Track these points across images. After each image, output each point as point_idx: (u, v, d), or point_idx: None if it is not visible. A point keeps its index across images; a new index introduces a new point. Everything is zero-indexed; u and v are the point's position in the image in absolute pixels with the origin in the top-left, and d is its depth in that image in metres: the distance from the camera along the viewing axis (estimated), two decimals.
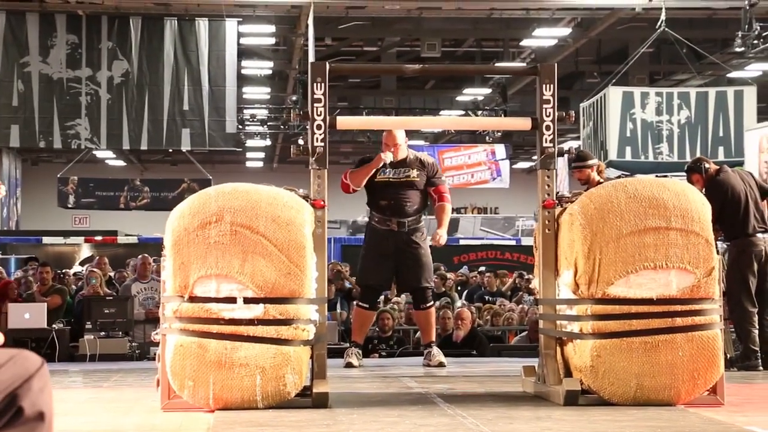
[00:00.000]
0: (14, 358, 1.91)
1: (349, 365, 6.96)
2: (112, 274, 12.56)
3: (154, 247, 14.83)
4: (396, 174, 6.92)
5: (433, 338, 7.25)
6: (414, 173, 6.96)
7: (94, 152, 20.40)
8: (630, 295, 4.88)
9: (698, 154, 15.88)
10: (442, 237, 7.09)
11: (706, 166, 7.53)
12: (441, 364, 7.03)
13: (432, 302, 7.23)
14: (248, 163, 30.58)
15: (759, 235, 7.41)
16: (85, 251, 19.96)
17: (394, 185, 6.92)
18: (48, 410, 1.92)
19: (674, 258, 4.87)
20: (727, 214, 7.24)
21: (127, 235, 21.01)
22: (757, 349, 7.32)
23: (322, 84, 5.30)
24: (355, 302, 7.48)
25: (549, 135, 5.38)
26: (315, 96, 5.30)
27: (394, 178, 6.93)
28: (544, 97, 5.39)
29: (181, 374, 4.75)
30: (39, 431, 1.89)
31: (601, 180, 7.85)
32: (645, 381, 4.83)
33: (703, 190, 7.34)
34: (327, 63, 5.50)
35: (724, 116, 16.80)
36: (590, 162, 7.89)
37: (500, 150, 23.54)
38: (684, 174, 7.86)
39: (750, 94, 16.91)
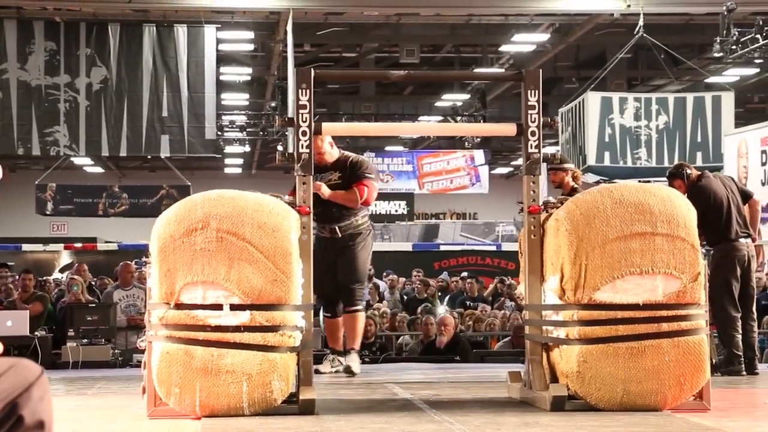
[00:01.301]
0: (14, 367, 1.90)
1: (316, 371, 6.66)
2: (93, 281, 12.47)
3: (135, 253, 14.75)
4: (319, 180, 6.71)
5: (357, 345, 7.05)
6: (335, 176, 6.87)
7: (72, 159, 20.31)
8: (616, 301, 4.89)
9: (677, 160, 15.99)
10: (320, 186, 6.70)
11: (688, 171, 7.58)
12: (349, 369, 6.86)
13: (360, 307, 7.02)
14: (227, 169, 30.52)
15: (741, 240, 7.45)
16: (65, 258, 19.85)
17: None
18: (48, 419, 1.91)
19: (660, 263, 4.88)
20: (709, 219, 7.28)
21: (107, 242, 20.90)
22: (740, 354, 7.36)
23: (307, 90, 5.28)
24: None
25: (534, 140, 5.38)
26: (300, 102, 5.29)
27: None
28: (529, 103, 5.39)
29: (167, 381, 4.72)
30: None
31: (576, 186, 7.88)
32: (631, 386, 4.84)
33: (686, 195, 7.37)
34: (312, 69, 5.48)
35: (702, 121, 16.93)
36: (565, 165, 7.93)
37: (479, 155, 23.63)
38: (664, 179, 7.91)
39: (728, 100, 17.05)
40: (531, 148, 5.38)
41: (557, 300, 5.04)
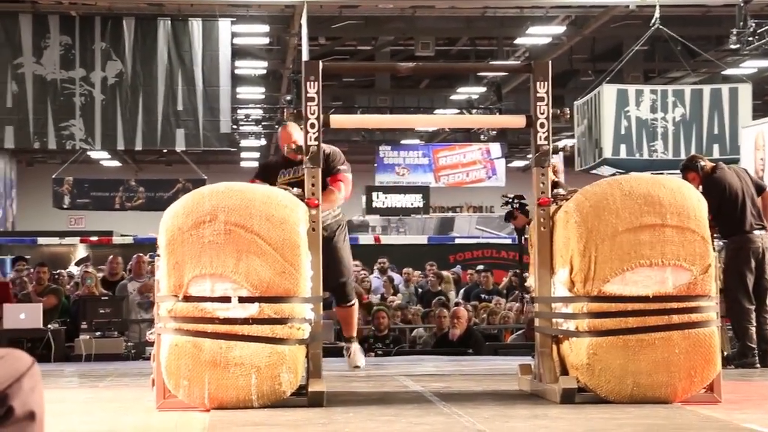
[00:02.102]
0: (4, 358, 1.90)
1: (356, 368, 6.32)
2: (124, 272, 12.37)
3: (150, 247, 14.75)
4: (295, 173, 6.25)
5: (354, 333, 6.68)
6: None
7: (88, 153, 20.35)
8: (626, 293, 4.86)
9: (693, 152, 15.88)
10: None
11: (702, 163, 7.53)
12: (356, 368, 6.41)
13: (354, 301, 6.66)
14: (243, 163, 30.54)
15: (756, 232, 7.41)
16: (81, 251, 19.93)
17: (294, 186, 6.18)
18: (39, 410, 1.91)
19: (670, 255, 4.86)
20: (724, 211, 7.24)
21: (122, 235, 20.96)
22: (754, 346, 7.31)
23: (316, 83, 5.28)
24: None
25: (543, 132, 5.36)
26: (308, 95, 5.29)
27: (293, 178, 6.27)
28: (538, 95, 5.37)
29: (176, 374, 4.73)
30: (29, 431, 1.88)
31: (557, 179, 7.81)
32: (641, 378, 4.82)
33: (700, 188, 7.34)
34: (320, 62, 5.48)
35: (719, 114, 16.81)
36: None
37: (495, 149, 23.56)
38: (679, 172, 7.86)
39: (745, 92, 16.91)
40: (540, 140, 5.36)
41: (567, 292, 5.02)
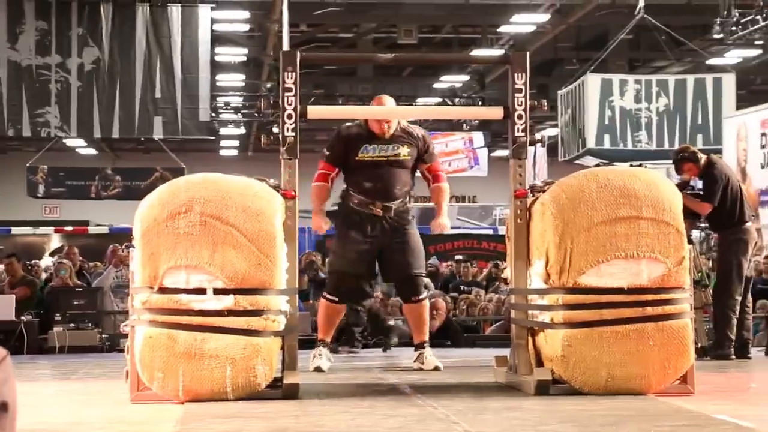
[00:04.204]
0: None
1: (317, 369, 6.11)
2: (85, 265, 12.43)
3: (126, 237, 14.67)
4: (383, 152, 6.04)
5: (426, 337, 6.32)
6: (404, 151, 6.09)
7: (64, 140, 20.23)
8: (601, 285, 4.88)
9: (677, 142, 15.92)
10: (446, 226, 6.31)
11: (700, 155, 7.58)
12: (436, 369, 6.18)
13: (425, 294, 6.31)
14: (222, 152, 30.42)
15: (749, 223, 7.50)
16: (55, 242, 19.81)
17: (380, 165, 6.05)
18: (11, 401, 1.91)
19: (645, 247, 4.87)
20: (724, 201, 7.31)
21: (98, 225, 20.87)
22: (733, 337, 7.37)
23: (293, 73, 5.26)
24: (322, 294, 6.43)
25: (521, 124, 5.36)
26: (286, 85, 5.27)
27: (380, 157, 6.05)
28: (516, 86, 5.37)
29: (150, 366, 4.72)
30: (2, 421, 1.88)
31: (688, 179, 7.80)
32: (616, 370, 4.84)
33: (699, 179, 7.42)
34: (298, 52, 5.46)
35: (703, 104, 16.85)
36: None
37: (478, 138, 23.57)
38: (663, 162, 7.91)
39: (729, 82, 16.96)
40: (518, 131, 5.36)
41: (542, 284, 5.04)
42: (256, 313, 4.79)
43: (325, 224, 6.25)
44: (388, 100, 6.25)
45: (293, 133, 5.26)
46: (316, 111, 6.00)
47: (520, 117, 5.36)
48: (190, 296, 4.75)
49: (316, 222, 6.22)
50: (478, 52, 19.10)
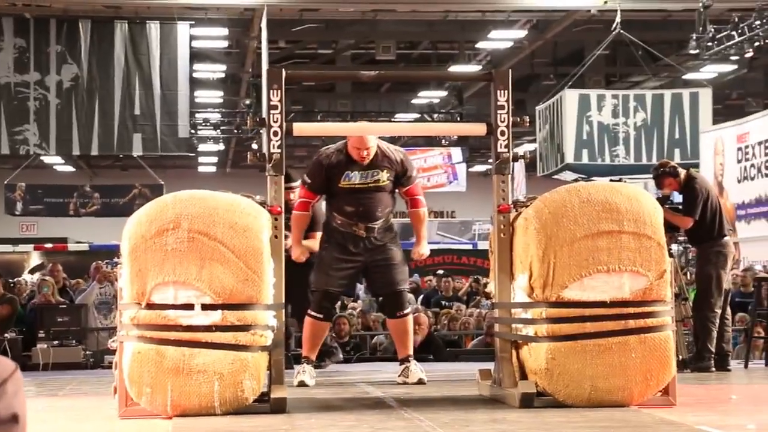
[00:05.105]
0: None
1: (301, 384, 6.18)
2: (67, 282, 12.42)
3: (107, 254, 14.69)
4: (363, 178, 6.17)
5: (411, 351, 6.40)
6: (384, 176, 6.20)
7: (42, 158, 20.17)
8: (584, 298, 4.94)
9: (655, 157, 16.10)
10: (424, 254, 6.46)
11: (680, 170, 7.69)
12: (420, 381, 6.24)
13: (409, 309, 6.44)
14: (201, 168, 30.40)
15: (727, 237, 7.61)
16: (35, 259, 19.74)
17: (361, 191, 6.19)
18: (22, 413, 1.97)
19: (627, 261, 4.95)
20: (704, 215, 7.42)
21: (77, 242, 20.79)
22: (713, 349, 7.45)
23: (279, 91, 5.31)
24: (307, 312, 6.46)
25: (504, 140, 5.43)
26: (271, 103, 5.31)
27: (360, 184, 6.19)
28: (499, 103, 5.44)
29: (138, 381, 4.74)
30: None
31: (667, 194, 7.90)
32: (599, 382, 4.90)
33: (679, 193, 7.54)
34: (283, 69, 5.50)
35: (680, 118, 17.04)
36: None
37: (456, 153, 23.67)
38: (641, 177, 8.02)
39: (705, 96, 17.17)
40: (500, 147, 5.43)
41: (526, 298, 5.10)
42: (243, 328, 4.83)
43: (303, 255, 6.43)
44: (371, 140, 6.26)
45: (279, 150, 5.30)
46: (301, 128, 6.05)
47: (503, 133, 5.43)
48: (178, 312, 4.78)
49: (296, 252, 6.38)
50: (455, 68, 19.24)
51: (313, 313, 6.34)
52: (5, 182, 20.63)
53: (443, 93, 22.56)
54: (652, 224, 5.03)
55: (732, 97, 23.62)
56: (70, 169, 28.01)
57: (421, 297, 14.04)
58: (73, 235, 22.91)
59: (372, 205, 6.21)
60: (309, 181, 6.27)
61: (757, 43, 14.58)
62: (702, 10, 14.84)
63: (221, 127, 21.00)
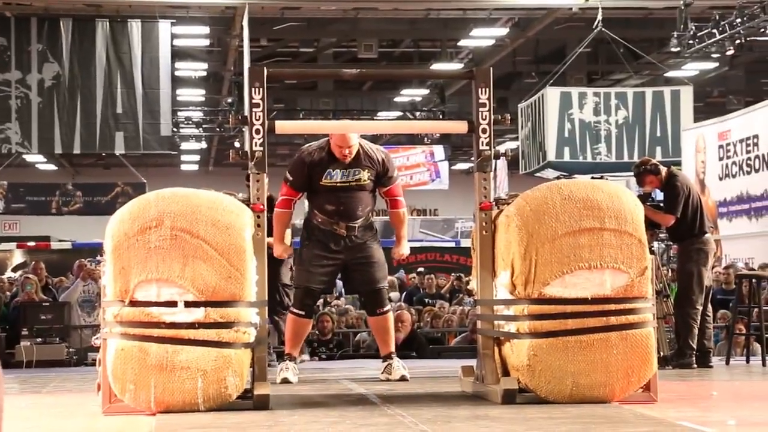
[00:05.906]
0: None
1: (285, 381, 6.20)
2: (50, 280, 12.39)
3: (89, 252, 14.64)
4: (345, 177, 6.20)
5: (393, 348, 6.44)
6: (365, 175, 6.22)
7: (24, 156, 20.08)
8: (565, 295, 4.97)
9: (636, 155, 16.15)
10: (404, 254, 6.55)
11: (661, 168, 7.73)
12: (403, 378, 6.28)
13: (389, 307, 6.50)
14: (183, 166, 30.33)
15: (708, 234, 7.66)
16: (18, 257, 19.66)
17: (342, 189, 6.22)
18: None
19: (608, 258, 4.98)
20: (685, 213, 7.47)
21: (60, 240, 20.71)
22: (694, 346, 7.50)
23: (260, 89, 5.31)
24: (288, 309, 6.56)
25: (485, 138, 5.45)
26: (253, 101, 5.32)
27: (342, 183, 6.21)
28: (480, 101, 5.46)
29: (122, 378, 4.75)
30: None
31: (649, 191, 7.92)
32: (580, 379, 4.93)
33: (660, 191, 7.59)
34: (265, 68, 5.51)
35: (662, 116, 17.10)
36: None
37: (439, 151, 23.70)
38: (622, 174, 8.07)
39: (687, 94, 17.23)
40: (482, 145, 5.46)
41: (508, 295, 5.12)
42: (226, 325, 4.84)
43: (286, 252, 6.57)
44: (353, 138, 6.27)
45: (261, 148, 5.31)
46: (283, 126, 6.05)
47: (484, 131, 5.46)
48: (161, 309, 4.79)
49: (278, 249, 6.46)
50: (437, 66, 19.26)
51: (295, 311, 6.38)
52: None
53: (425, 91, 22.60)
54: (633, 221, 5.06)
55: (713, 94, 23.75)
56: (52, 167, 27.91)
57: (404, 294, 14.06)
58: (55, 234, 22.83)
59: (353, 204, 6.24)
60: (291, 178, 6.29)
61: (738, 41, 14.67)
62: (683, 7, 14.92)
63: (203, 126, 20.99)
